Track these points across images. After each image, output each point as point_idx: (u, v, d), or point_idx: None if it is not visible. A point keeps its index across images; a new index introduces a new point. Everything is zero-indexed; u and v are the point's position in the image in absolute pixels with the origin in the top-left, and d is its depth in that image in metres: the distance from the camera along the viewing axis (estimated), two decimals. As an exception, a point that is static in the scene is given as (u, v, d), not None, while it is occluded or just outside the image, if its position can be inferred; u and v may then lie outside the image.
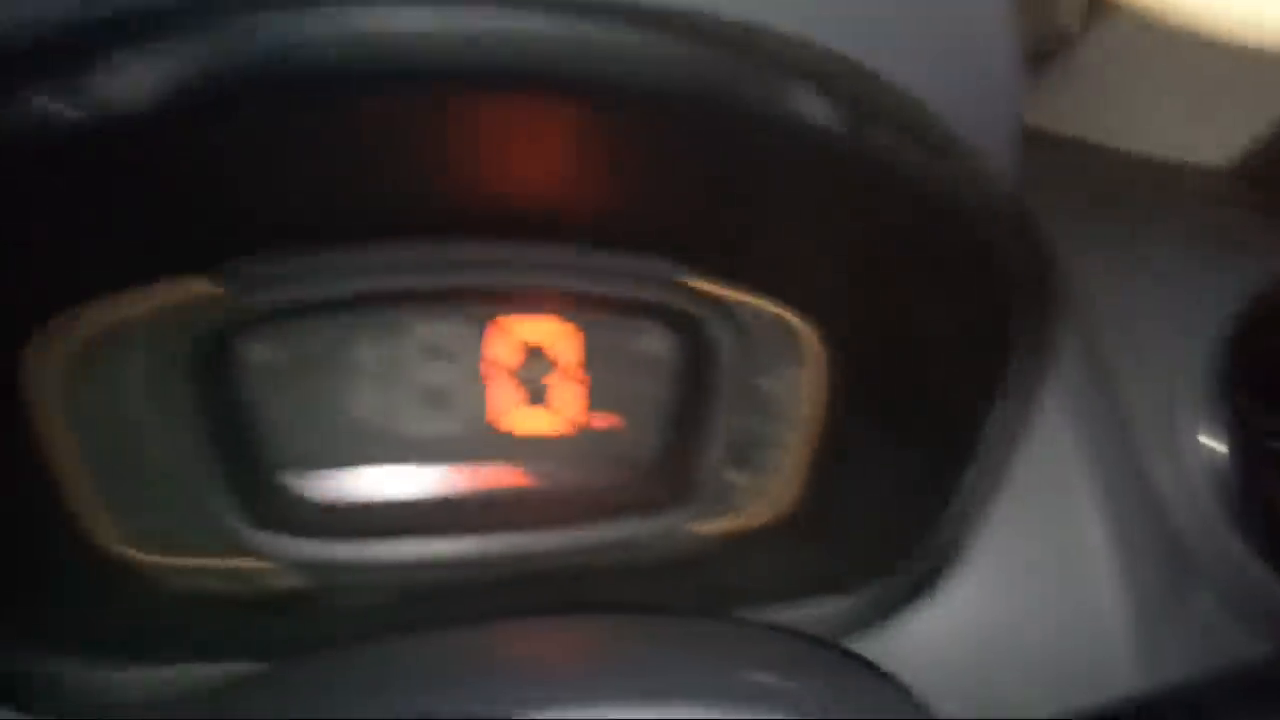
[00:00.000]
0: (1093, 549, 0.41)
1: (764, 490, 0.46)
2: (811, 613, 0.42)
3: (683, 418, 0.45)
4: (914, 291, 0.37)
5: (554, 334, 0.44)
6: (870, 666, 0.35)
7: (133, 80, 0.24)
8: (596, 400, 0.45)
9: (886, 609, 0.40)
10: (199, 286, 0.40)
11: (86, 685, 0.36)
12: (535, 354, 0.45)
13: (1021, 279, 0.34)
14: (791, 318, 0.44)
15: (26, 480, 0.39)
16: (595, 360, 0.45)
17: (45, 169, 0.27)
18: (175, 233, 0.37)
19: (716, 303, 0.43)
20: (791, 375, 0.45)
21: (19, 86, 0.24)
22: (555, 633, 0.37)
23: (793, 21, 0.29)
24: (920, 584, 0.40)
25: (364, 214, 0.39)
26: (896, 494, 0.42)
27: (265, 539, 0.41)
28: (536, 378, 0.45)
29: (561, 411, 0.46)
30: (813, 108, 0.28)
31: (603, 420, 0.46)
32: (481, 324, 0.44)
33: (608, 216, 0.38)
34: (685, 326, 0.44)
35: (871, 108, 0.29)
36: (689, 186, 0.35)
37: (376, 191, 0.37)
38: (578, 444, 0.46)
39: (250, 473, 0.42)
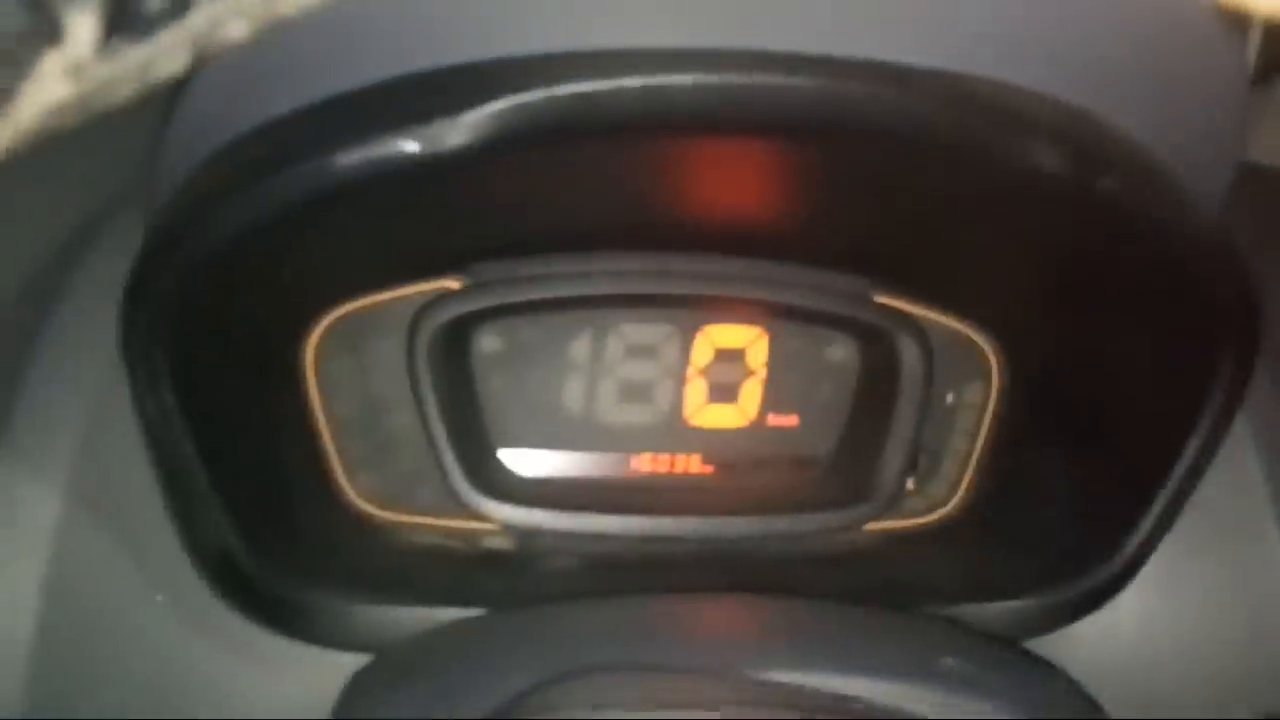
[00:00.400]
0: (1273, 574, 0.42)
1: (937, 495, 0.49)
2: (979, 614, 0.44)
3: (864, 423, 0.48)
4: (1117, 320, 0.39)
5: (748, 339, 0.48)
6: (1046, 663, 0.37)
7: (468, 127, 0.29)
8: (782, 402, 0.49)
9: (1059, 617, 0.42)
10: (447, 284, 0.46)
11: (345, 620, 0.43)
12: (728, 356, 0.48)
13: (1228, 311, 0.36)
14: (977, 337, 0.46)
15: (296, 444, 0.46)
16: (785, 365, 0.48)
17: (376, 194, 0.32)
18: (441, 241, 0.43)
19: (905, 318, 0.46)
20: (972, 390, 0.47)
21: (378, 129, 0.29)
22: (743, 607, 0.41)
23: (1028, 76, 0.31)
24: (1096, 595, 0.42)
25: (591, 229, 0.44)
26: (1079, 510, 0.43)
27: (483, 503, 0.47)
28: (727, 378, 0.49)
29: (747, 410, 0.49)
30: (1043, 156, 0.30)
31: (786, 421, 0.50)
32: (682, 328, 0.48)
33: (816, 238, 0.42)
34: (874, 339, 0.47)
35: (1096, 154, 0.31)
36: (901, 216, 0.38)
37: (606, 211, 0.42)
38: (760, 440, 0.50)
39: (474, 446, 0.48)
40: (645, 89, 0.28)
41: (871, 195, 0.36)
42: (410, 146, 0.29)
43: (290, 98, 0.31)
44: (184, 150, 0.33)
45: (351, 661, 0.41)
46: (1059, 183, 0.31)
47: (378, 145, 0.29)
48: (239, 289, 0.37)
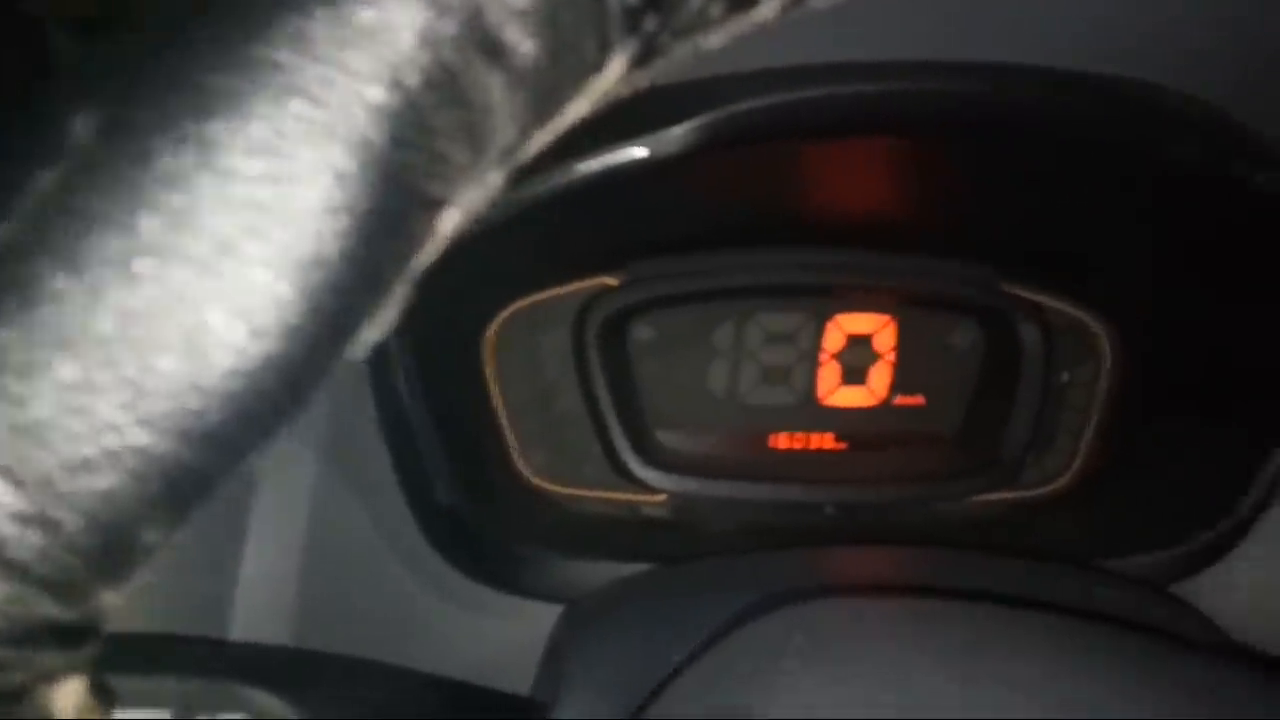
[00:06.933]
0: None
1: (1054, 466, 0.53)
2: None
3: (987, 402, 0.53)
4: (1230, 297, 0.43)
5: (876, 326, 0.54)
6: (1180, 600, 0.41)
7: (688, 134, 0.35)
8: (909, 383, 0.54)
9: (1175, 572, 0.46)
10: (607, 281, 0.52)
11: (533, 573, 0.49)
12: (859, 341, 0.54)
13: None
14: (1090, 319, 0.51)
15: (480, 426, 0.52)
16: (912, 349, 0.54)
17: (586, 197, 0.39)
18: (603, 242, 0.49)
19: (1028, 304, 0.50)
20: (1084, 369, 0.52)
21: (612, 136, 0.35)
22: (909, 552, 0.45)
23: (1162, 73, 0.35)
24: (1211, 551, 0.45)
25: (733, 228, 0.50)
26: (1191, 475, 0.47)
27: (647, 474, 0.53)
28: (857, 361, 0.54)
29: (877, 391, 0.55)
30: (1184, 149, 0.34)
31: (913, 400, 0.55)
32: (816, 316, 0.54)
33: (947, 231, 0.47)
34: (997, 324, 0.52)
35: (1225, 142, 0.35)
36: (1035, 209, 0.43)
37: (749, 211, 0.48)
38: (889, 419, 0.55)
39: (636, 424, 0.54)
40: (851, 96, 0.33)
41: (1008, 191, 0.41)
42: (640, 152, 0.35)
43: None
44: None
45: (541, 610, 0.46)
46: (1191, 170, 0.34)
47: (613, 151, 0.35)
48: (458, 285, 0.43)
